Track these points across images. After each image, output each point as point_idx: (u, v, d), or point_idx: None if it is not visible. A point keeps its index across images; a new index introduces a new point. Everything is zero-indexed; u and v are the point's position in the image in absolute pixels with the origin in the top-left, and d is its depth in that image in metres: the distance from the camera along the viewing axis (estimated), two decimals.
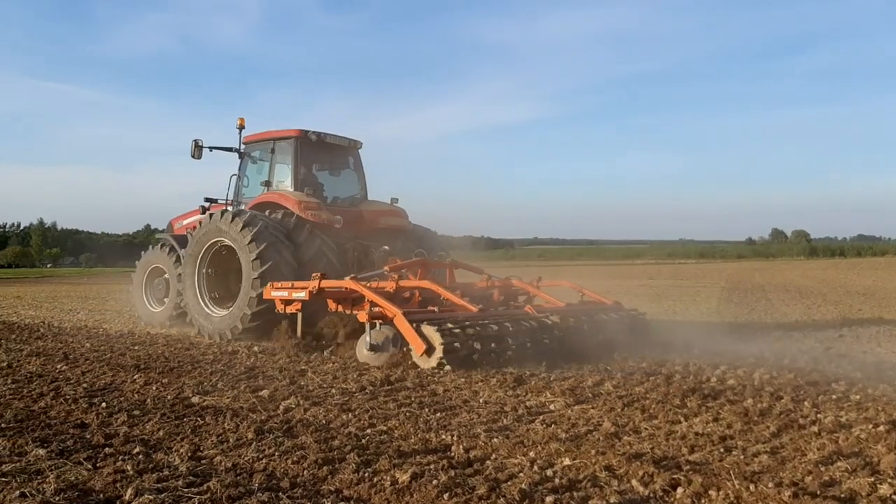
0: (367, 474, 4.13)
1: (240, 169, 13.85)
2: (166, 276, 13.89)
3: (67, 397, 6.50)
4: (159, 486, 3.98)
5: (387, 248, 12.73)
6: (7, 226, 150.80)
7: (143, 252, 14.98)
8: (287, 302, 10.23)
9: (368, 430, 5.21)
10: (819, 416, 5.68)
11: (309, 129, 12.99)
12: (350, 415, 5.69)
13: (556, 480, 4.04)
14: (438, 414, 5.71)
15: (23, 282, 49.44)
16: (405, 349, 8.57)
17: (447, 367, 7.99)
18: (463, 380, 7.19)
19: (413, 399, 6.29)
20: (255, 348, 9.92)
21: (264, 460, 4.46)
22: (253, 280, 10.98)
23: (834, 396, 6.45)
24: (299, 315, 10.14)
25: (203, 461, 4.51)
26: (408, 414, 5.70)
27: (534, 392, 6.61)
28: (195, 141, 13.51)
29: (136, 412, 5.87)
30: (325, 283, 9.86)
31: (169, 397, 6.51)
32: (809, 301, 20.52)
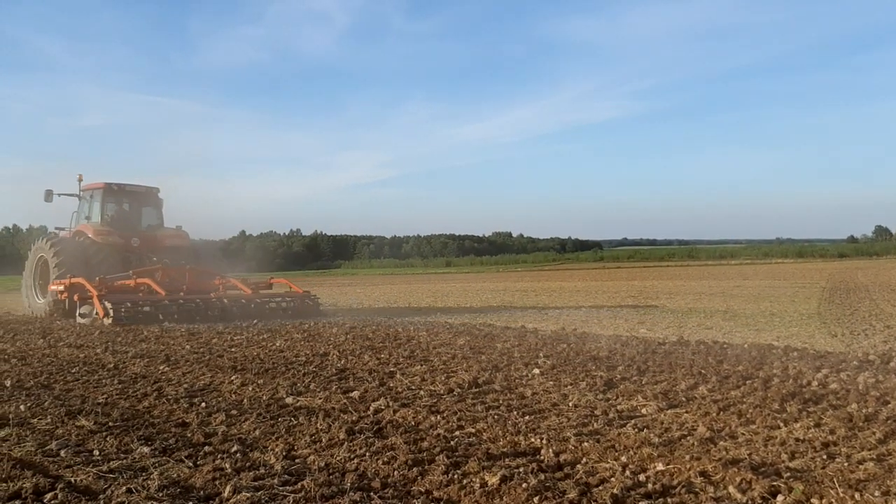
0: (456, 476, 4.14)
1: (78, 208, 21.01)
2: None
3: (169, 397, 6.78)
4: (256, 484, 4.10)
5: (155, 258, 19.61)
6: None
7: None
8: (60, 292, 17.47)
9: (457, 433, 5.23)
10: None
11: (112, 182, 20.45)
12: (439, 417, 5.72)
13: (650, 486, 3.96)
14: (527, 417, 5.68)
15: None
16: (100, 316, 15.48)
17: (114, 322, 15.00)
18: (552, 383, 7.13)
19: (501, 402, 6.27)
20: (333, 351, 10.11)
21: (356, 460, 4.54)
22: (53, 280, 18.16)
23: None
24: (67, 300, 17.16)
25: (297, 460, 4.63)
26: (496, 417, 5.69)
27: (625, 396, 6.50)
28: (48, 190, 20.67)
29: (234, 412, 6.07)
30: (73, 280, 17.03)
31: (264, 398, 6.70)
32: None
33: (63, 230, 21.00)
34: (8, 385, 7.58)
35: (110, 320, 15.20)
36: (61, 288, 17.44)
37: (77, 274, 17.40)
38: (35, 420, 5.89)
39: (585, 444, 4.83)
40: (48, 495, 3.94)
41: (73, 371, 8.59)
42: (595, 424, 5.44)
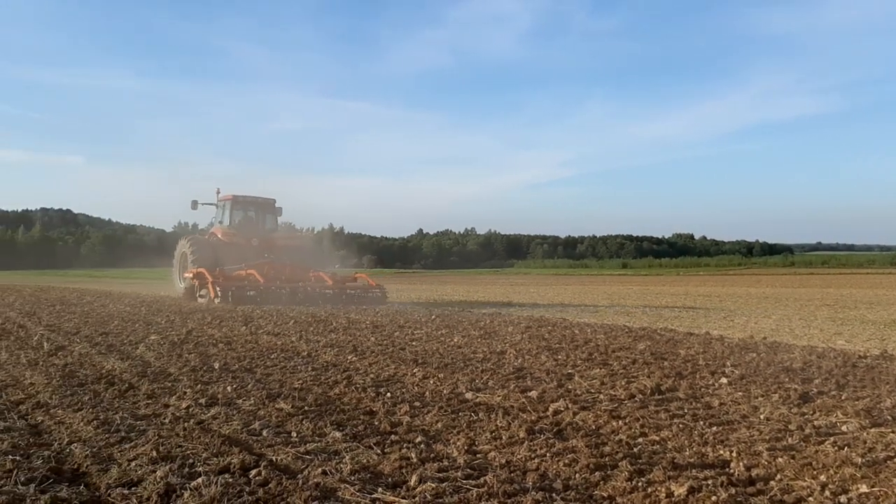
0: (640, 484, 4.05)
1: (215, 213, 27.64)
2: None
3: (358, 386, 7.13)
4: (440, 475, 4.22)
5: (267, 255, 24.69)
6: (303, 230, 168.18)
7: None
8: (190, 279, 22.87)
9: (640, 439, 5.11)
10: None
11: (239, 194, 26.64)
12: (620, 422, 5.61)
13: None
14: (714, 428, 5.44)
15: None
16: (212, 297, 20.79)
17: (220, 303, 20.27)
18: (741, 394, 6.79)
19: (686, 411, 6.05)
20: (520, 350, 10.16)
21: (536, 460, 4.55)
22: (191, 270, 23.54)
23: None
24: (195, 284, 22.35)
25: (478, 455, 4.71)
26: (681, 426, 5.50)
27: (822, 411, 6.07)
28: (193, 200, 26.74)
29: (417, 404, 6.28)
30: (198, 270, 22.42)
31: (445, 392, 6.88)
32: None
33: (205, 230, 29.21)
34: (216, 367, 8.29)
35: (219, 300, 20.53)
36: (190, 275, 23.16)
37: (205, 266, 22.74)
38: (240, 401, 6.40)
39: (779, 459, 4.56)
40: (253, 471, 4.25)
41: (271, 357, 9.25)
42: (790, 439, 5.12)
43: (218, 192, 27.26)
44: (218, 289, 20.81)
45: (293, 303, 20.50)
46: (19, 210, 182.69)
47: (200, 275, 22.27)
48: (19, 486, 3.97)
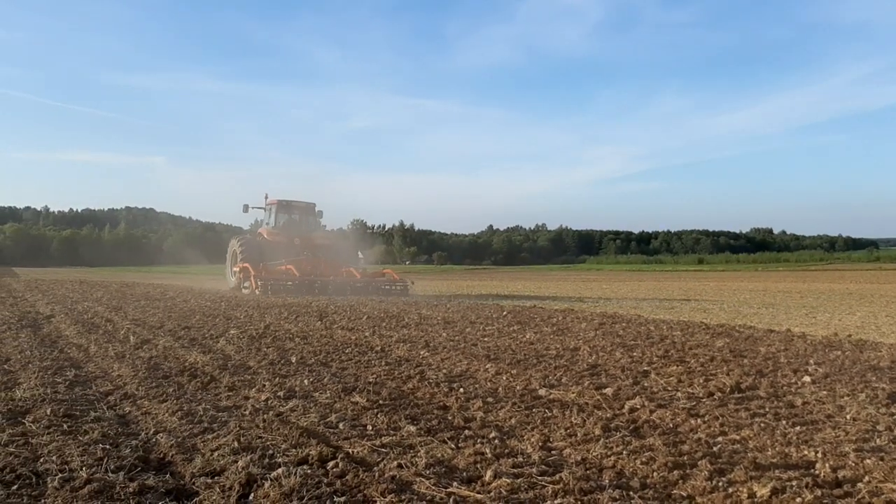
0: (721, 483, 3.95)
1: (263, 216, 30.82)
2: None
3: (430, 381, 7.17)
4: (515, 471, 4.21)
5: (307, 253, 27.50)
6: (374, 227, 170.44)
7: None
8: (237, 273, 26.96)
9: (720, 438, 4.98)
10: None
11: (283, 199, 29.85)
12: (699, 420, 5.49)
13: None
14: (798, 427, 5.27)
15: None
16: (253, 288, 24.57)
17: (261, 293, 23.88)
18: (825, 392, 6.55)
19: (767, 409, 5.88)
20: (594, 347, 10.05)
21: (612, 458, 4.49)
22: (238, 264, 27.33)
23: None
24: (241, 277, 26.21)
25: (553, 452, 4.68)
26: (762, 425, 5.34)
27: None
28: (245, 204, 29.93)
29: (490, 399, 6.28)
30: (243, 265, 26.19)
31: (518, 388, 6.86)
32: None
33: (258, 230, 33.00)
34: (293, 361, 8.48)
35: (259, 291, 23.95)
36: (237, 269, 27.23)
37: (251, 262, 26.03)
38: (317, 394, 6.52)
39: (867, 461, 4.38)
40: (330, 463, 4.32)
41: (346, 351, 9.40)
42: (878, 440, 4.92)
43: (266, 198, 30.40)
44: (259, 281, 24.34)
45: (324, 293, 24.02)
46: (105, 209, 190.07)
47: (245, 269, 25.89)
48: (109, 474, 4.14)
